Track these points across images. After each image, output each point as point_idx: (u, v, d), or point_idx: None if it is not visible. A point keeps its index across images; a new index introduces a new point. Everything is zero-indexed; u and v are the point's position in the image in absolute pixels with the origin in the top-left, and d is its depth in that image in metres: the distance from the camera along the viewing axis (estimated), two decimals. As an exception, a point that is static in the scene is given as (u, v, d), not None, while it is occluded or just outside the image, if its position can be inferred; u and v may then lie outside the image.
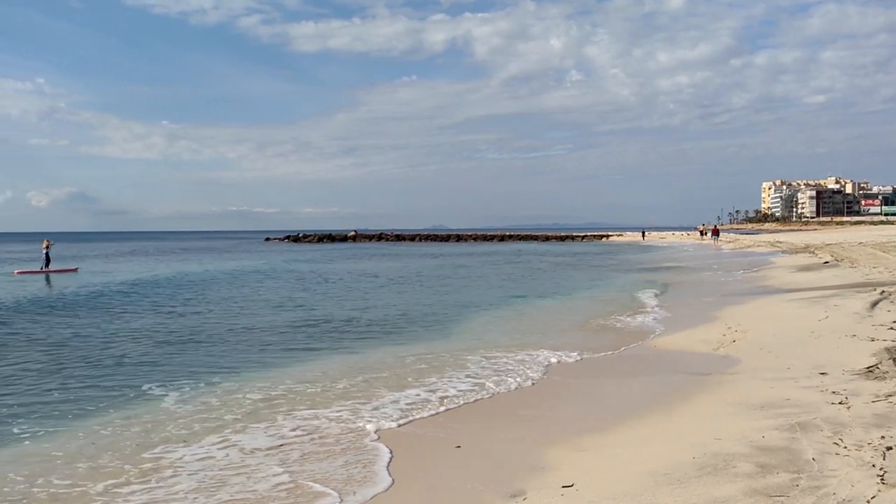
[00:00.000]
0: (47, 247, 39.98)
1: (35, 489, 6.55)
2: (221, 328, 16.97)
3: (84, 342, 14.91)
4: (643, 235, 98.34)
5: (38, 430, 8.43)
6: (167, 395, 10.05)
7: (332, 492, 6.37)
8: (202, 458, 7.31)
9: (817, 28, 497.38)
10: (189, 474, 6.89)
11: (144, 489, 6.51)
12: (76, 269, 41.44)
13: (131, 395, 10.14)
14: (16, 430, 8.40)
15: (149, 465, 7.13)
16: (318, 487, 6.50)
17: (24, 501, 6.28)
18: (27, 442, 8.03)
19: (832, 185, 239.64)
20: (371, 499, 6.22)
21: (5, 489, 6.55)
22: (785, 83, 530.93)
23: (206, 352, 13.72)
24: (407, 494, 6.30)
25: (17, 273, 38.43)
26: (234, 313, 20.09)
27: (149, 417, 8.91)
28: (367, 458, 7.28)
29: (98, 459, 7.28)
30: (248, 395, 9.92)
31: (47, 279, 34.54)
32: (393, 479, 6.64)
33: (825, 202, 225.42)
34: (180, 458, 7.31)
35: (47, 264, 39.30)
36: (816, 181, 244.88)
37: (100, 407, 9.47)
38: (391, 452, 7.38)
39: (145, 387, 10.54)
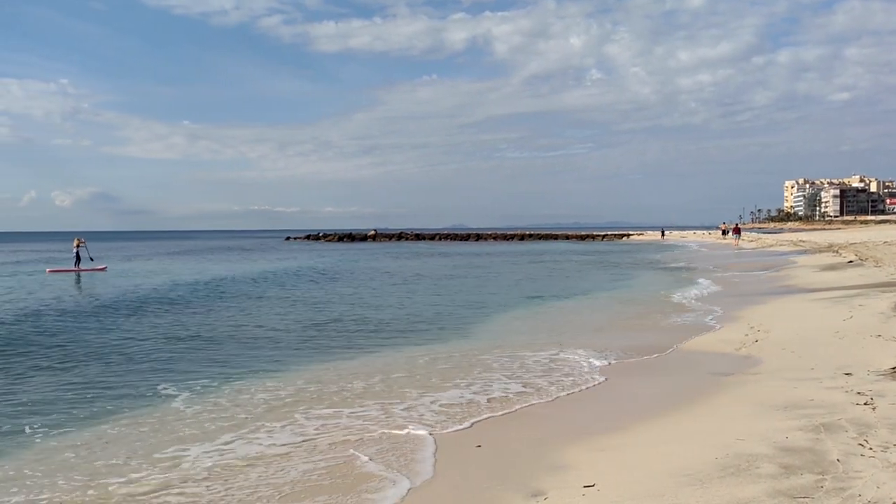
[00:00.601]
0: (78, 246, 40.67)
1: (60, 481, 6.63)
2: (238, 327, 17.07)
3: (102, 340, 15.05)
4: (662, 234, 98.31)
5: (49, 429, 8.47)
6: (180, 394, 10.09)
7: (389, 472, 6.41)
8: (221, 453, 7.35)
9: (841, 25, 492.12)
10: (206, 468, 6.94)
11: (162, 480, 6.55)
12: (105, 268, 41.97)
13: (146, 393, 10.20)
14: (28, 430, 8.43)
15: (167, 463, 7.17)
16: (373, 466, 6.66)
17: (49, 494, 6.34)
18: (38, 439, 8.09)
19: (856, 184, 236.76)
20: (404, 497, 6.23)
21: (28, 483, 6.62)
22: (808, 81, 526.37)
23: (222, 351, 13.80)
24: (426, 494, 6.28)
25: (49, 272, 39.18)
26: (251, 312, 20.19)
27: (159, 416, 8.94)
28: (401, 450, 7.36)
29: (111, 459, 7.32)
30: (262, 394, 9.96)
31: (77, 278, 35.11)
32: (434, 473, 6.69)
33: (849, 201, 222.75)
34: (196, 456, 7.34)
35: (77, 263, 39.94)
36: (840, 180, 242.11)
37: (113, 406, 9.54)
38: (436, 444, 7.42)
39: (160, 386, 10.59)
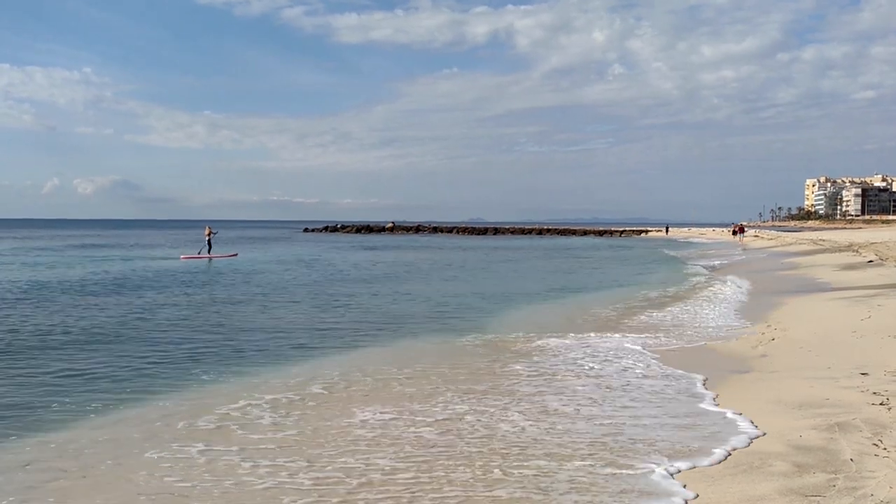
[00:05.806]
0: (209, 234, 42.91)
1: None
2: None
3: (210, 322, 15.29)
4: (667, 230, 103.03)
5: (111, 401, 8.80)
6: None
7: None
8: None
9: (868, 22, 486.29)
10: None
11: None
12: (236, 254, 43.91)
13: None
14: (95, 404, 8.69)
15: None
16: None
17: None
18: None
19: (878, 183, 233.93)
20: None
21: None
22: (833, 78, 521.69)
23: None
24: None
25: (183, 258, 40.89)
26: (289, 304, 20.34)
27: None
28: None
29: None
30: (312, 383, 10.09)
31: (209, 264, 37.04)
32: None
33: (871, 200, 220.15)
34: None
35: (209, 250, 42.10)
36: (862, 179, 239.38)
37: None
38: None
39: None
